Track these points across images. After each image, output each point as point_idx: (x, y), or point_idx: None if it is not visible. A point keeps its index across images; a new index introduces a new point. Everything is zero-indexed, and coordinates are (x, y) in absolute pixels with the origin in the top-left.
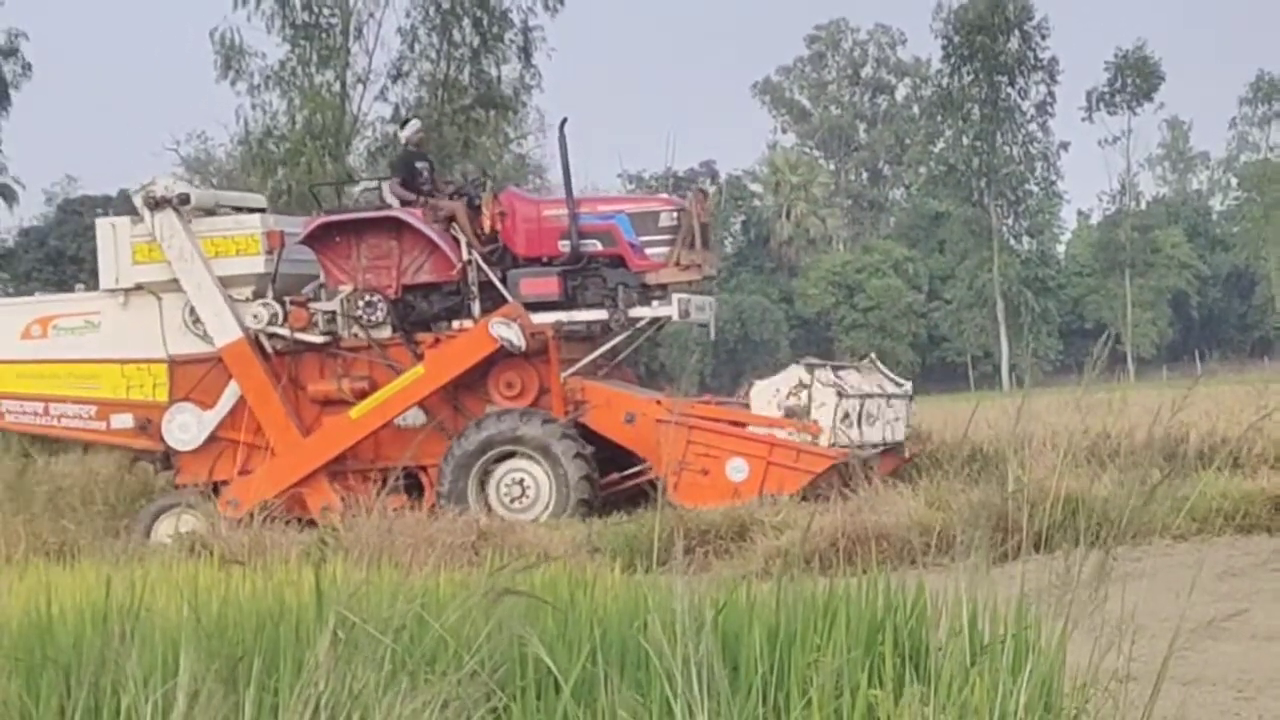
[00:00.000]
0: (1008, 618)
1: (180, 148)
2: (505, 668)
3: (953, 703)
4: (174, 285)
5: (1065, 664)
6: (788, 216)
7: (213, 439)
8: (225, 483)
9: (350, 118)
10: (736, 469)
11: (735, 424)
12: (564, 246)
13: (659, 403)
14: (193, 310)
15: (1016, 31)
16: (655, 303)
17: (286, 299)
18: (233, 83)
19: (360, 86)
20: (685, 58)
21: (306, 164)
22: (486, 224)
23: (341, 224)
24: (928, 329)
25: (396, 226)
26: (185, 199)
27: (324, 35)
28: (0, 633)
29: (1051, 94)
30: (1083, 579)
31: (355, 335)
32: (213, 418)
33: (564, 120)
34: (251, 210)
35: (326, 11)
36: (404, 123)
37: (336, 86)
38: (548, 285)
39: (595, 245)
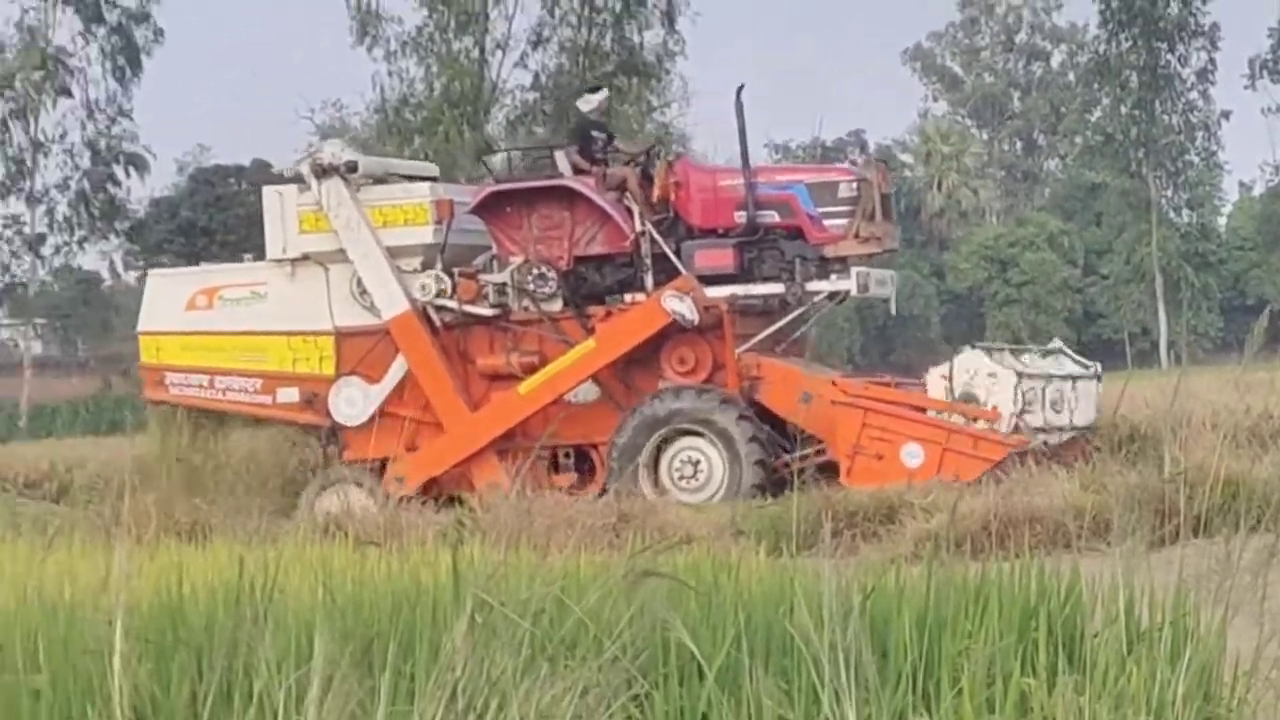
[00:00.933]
0: (1165, 604)
1: (314, 115)
2: (647, 653)
3: (1108, 692)
4: (341, 255)
5: (1225, 652)
6: (939, 188)
7: (379, 414)
8: (391, 459)
9: (489, 85)
10: (912, 454)
11: (913, 408)
12: (740, 218)
13: (834, 383)
14: (360, 281)
15: None
16: (834, 276)
17: (455, 270)
18: (369, 49)
19: (499, 53)
20: (832, 23)
21: (444, 133)
22: (659, 193)
23: (512, 193)
24: (1083, 305)
25: (569, 196)
26: (353, 167)
27: (462, 0)
28: (131, 614)
29: (1213, 61)
30: (1245, 564)
31: (525, 308)
32: (379, 392)
33: (741, 87)
34: (423, 179)
35: None
36: (590, 89)
37: (475, 53)
38: (723, 257)
39: (772, 216)
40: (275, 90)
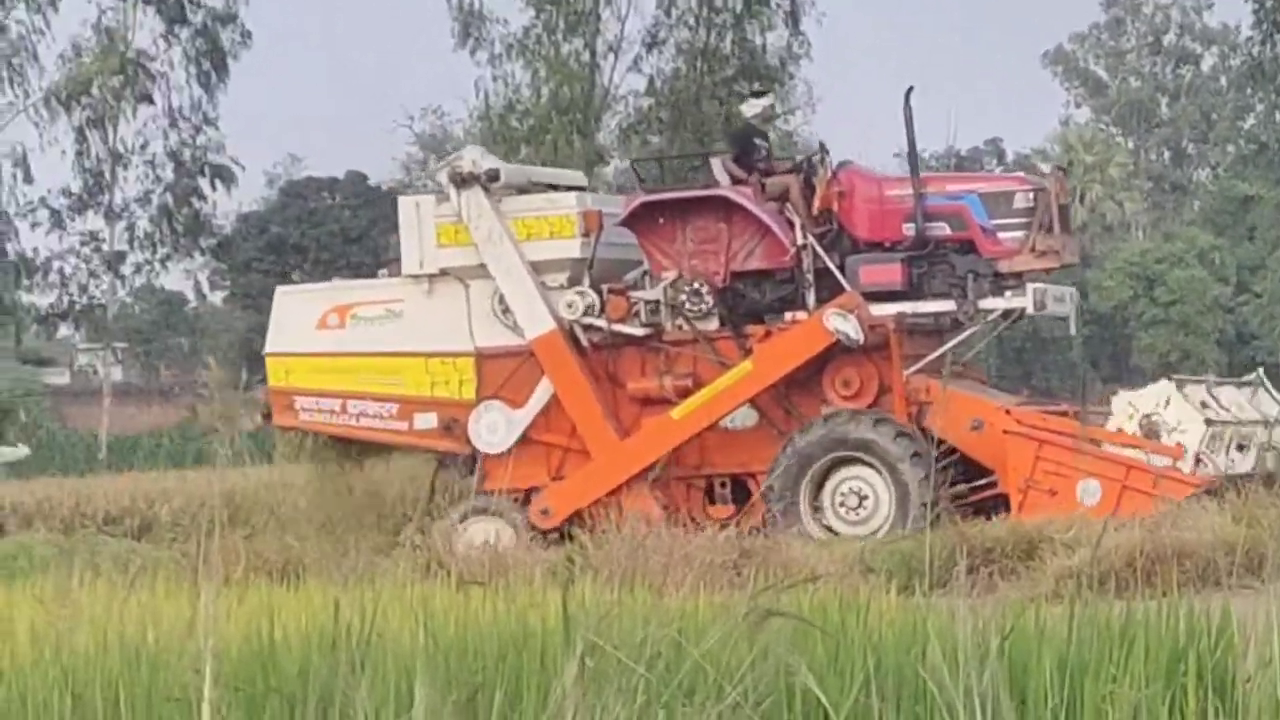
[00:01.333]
0: None
1: (414, 124)
2: (771, 699)
3: None
4: (482, 271)
5: None
6: (1081, 200)
7: (523, 441)
8: (536, 489)
9: (600, 90)
10: (1088, 491)
11: (1090, 441)
12: (908, 230)
13: (1008, 412)
14: (502, 298)
15: None
16: (1009, 293)
17: (604, 287)
18: (472, 52)
19: (611, 56)
20: (967, 24)
21: (552, 142)
22: (822, 204)
23: (666, 204)
24: (1235, 325)
25: (726, 207)
26: (495, 175)
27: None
28: (219, 660)
29: None
30: None
31: (679, 327)
32: (523, 417)
33: (910, 89)
34: (568, 189)
35: None
36: (754, 94)
37: (585, 56)
38: (890, 273)
39: (943, 229)
40: (371, 97)
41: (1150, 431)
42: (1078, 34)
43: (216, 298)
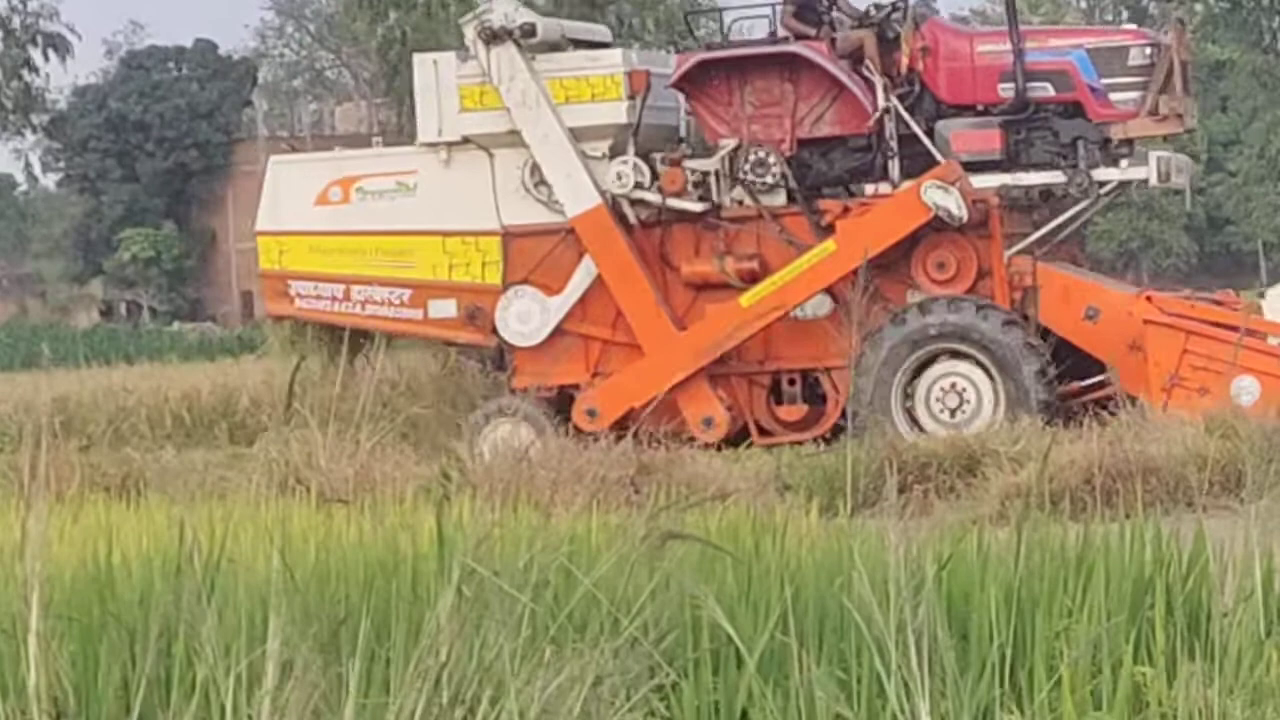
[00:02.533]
0: None
1: None
2: (674, 634)
3: (1242, 684)
4: (512, 138)
5: None
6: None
7: (559, 332)
8: (574, 387)
9: None
10: (1245, 390)
11: (1249, 333)
12: (1004, 91)
13: (1149, 298)
14: (536, 170)
15: None
16: (1124, 162)
17: (656, 156)
18: None
19: None
20: None
21: (424, 6)
22: (905, 62)
23: (725, 62)
24: (1206, 209)
25: (793, 65)
26: (530, 30)
27: None
28: (52, 586)
29: None
30: None
31: (739, 202)
32: (560, 305)
33: None
34: (597, 45)
35: None
36: None
37: None
38: (988, 140)
39: (1045, 89)
40: None
41: None
42: None
43: (49, 181)
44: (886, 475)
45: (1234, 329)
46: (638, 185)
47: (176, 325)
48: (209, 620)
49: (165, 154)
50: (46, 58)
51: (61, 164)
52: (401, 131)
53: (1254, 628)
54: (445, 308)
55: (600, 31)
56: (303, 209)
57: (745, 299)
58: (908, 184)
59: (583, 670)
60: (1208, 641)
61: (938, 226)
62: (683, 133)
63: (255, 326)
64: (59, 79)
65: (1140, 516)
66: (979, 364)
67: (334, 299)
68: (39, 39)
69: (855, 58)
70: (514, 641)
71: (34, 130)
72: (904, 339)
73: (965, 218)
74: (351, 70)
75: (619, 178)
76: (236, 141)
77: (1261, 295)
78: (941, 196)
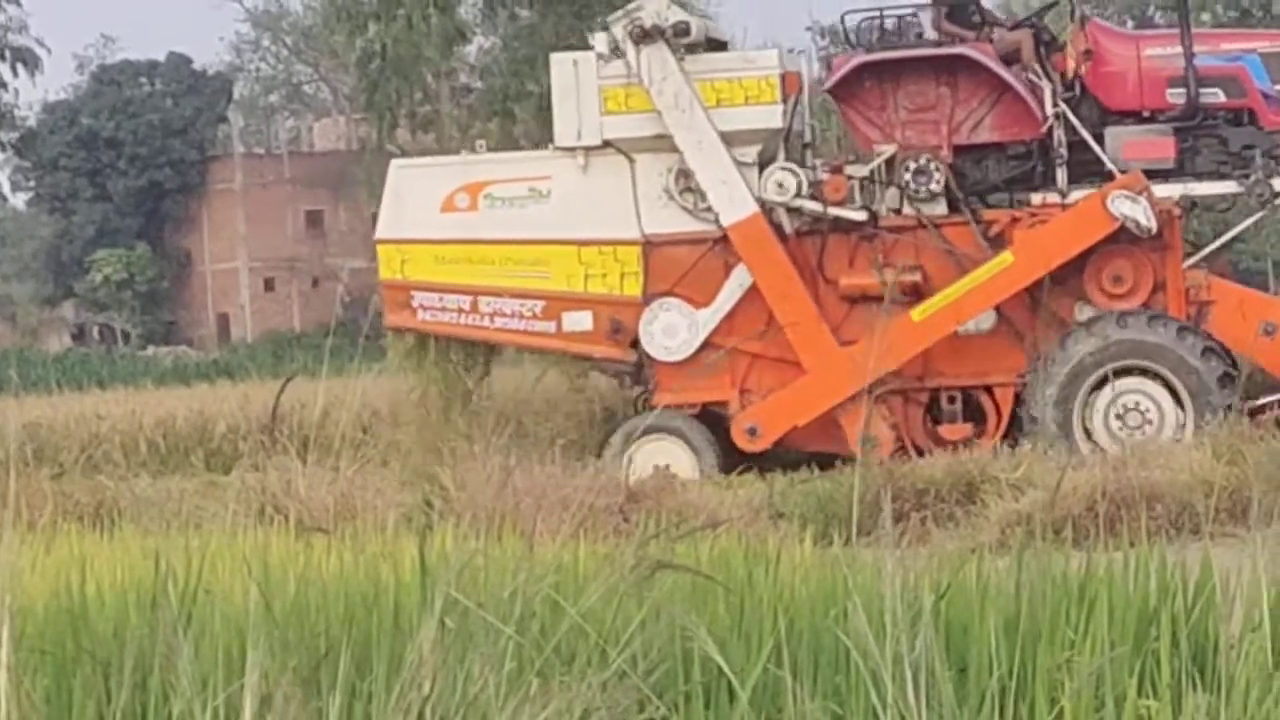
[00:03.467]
0: None
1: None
2: (664, 667)
3: (1250, 717)
4: (655, 143)
5: None
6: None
7: (705, 346)
8: (720, 404)
9: None
10: None
11: None
12: (1174, 97)
13: None
14: (682, 176)
15: None
16: None
17: (817, 163)
18: None
19: None
20: None
21: (406, 17)
22: (1071, 65)
23: (883, 66)
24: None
25: (953, 69)
26: (684, 29)
27: None
28: (24, 618)
29: None
30: None
31: (895, 211)
32: (709, 318)
33: None
34: (717, 44)
35: None
36: None
37: None
38: (1162, 147)
39: (1216, 95)
40: None
41: None
42: None
43: (19, 200)
44: (883, 502)
45: None
46: (798, 192)
47: (151, 349)
48: (185, 653)
49: (138, 172)
50: (15, 73)
51: (31, 183)
52: (381, 148)
53: (1262, 659)
54: (580, 320)
55: (721, 30)
56: (427, 216)
57: (917, 313)
58: (1078, 193)
59: (570, 704)
60: (1214, 673)
61: (1122, 238)
62: (807, 138)
63: (232, 350)
64: (28, 94)
65: (1145, 545)
66: (1159, 379)
67: (460, 310)
68: (7, 53)
69: (1011, 60)
70: (499, 674)
71: (2, 148)
72: (1087, 354)
73: (1154, 228)
74: (330, 85)
75: (780, 185)
76: (212, 159)
77: None
78: (1130, 207)
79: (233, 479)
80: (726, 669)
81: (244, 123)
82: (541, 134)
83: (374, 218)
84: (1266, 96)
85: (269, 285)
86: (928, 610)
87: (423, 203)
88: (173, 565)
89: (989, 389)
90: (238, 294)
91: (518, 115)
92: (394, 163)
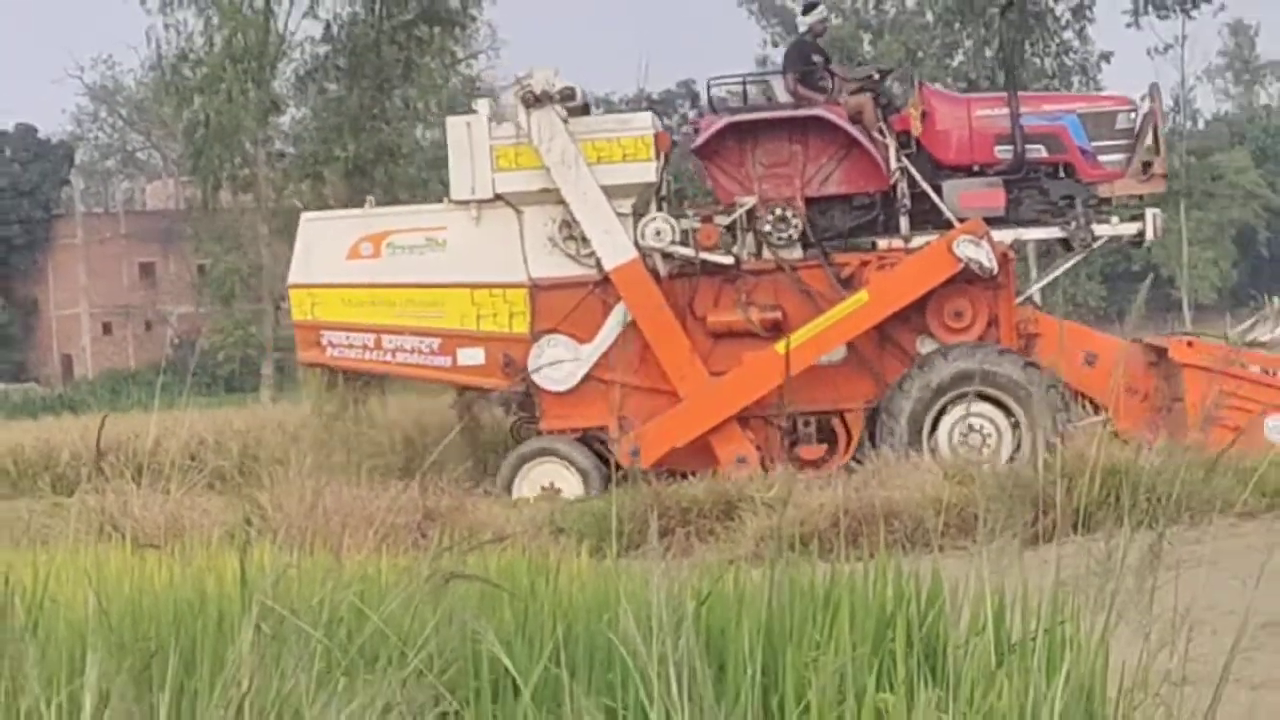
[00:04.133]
0: (1040, 610)
1: (85, 74)
2: (456, 666)
3: (976, 710)
4: (541, 196)
5: (1108, 665)
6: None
7: (587, 379)
8: (600, 429)
9: (275, 37)
10: (1277, 429)
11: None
12: (1002, 152)
13: (1190, 344)
14: (566, 225)
15: None
16: (1114, 219)
17: (690, 212)
18: (142, 0)
19: (286, 1)
20: None
21: (227, 90)
22: (911, 125)
23: (741, 127)
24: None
25: (805, 129)
26: (570, 94)
27: None
28: None
29: None
30: (1129, 565)
31: (754, 255)
32: (592, 352)
33: (1008, 3)
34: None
35: None
36: (806, 7)
37: (259, 2)
38: (993, 197)
39: (1039, 151)
40: (38, 45)
41: None
42: None
43: None
44: (650, 520)
45: (1267, 372)
46: (674, 239)
47: (2, 386)
48: (31, 655)
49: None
50: None
51: None
52: (207, 206)
53: (985, 658)
54: (474, 355)
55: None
56: (334, 263)
57: (781, 346)
58: (920, 239)
59: (372, 699)
60: (943, 671)
61: (961, 278)
62: (661, 191)
63: (74, 386)
64: None
65: (883, 556)
66: (998, 404)
67: (365, 347)
68: None
69: (854, 120)
70: (309, 673)
71: None
72: (935, 382)
73: (995, 269)
74: (160, 151)
75: (658, 233)
76: (56, 217)
77: None
78: (973, 250)
79: (74, 501)
80: (511, 668)
81: (84, 185)
82: (349, 194)
83: (200, 268)
84: (1084, 152)
85: (107, 329)
86: (690, 615)
87: (330, 251)
88: (21, 578)
89: (840, 414)
90: (79, 337)
91: (326, 177)
92: (304, 216)
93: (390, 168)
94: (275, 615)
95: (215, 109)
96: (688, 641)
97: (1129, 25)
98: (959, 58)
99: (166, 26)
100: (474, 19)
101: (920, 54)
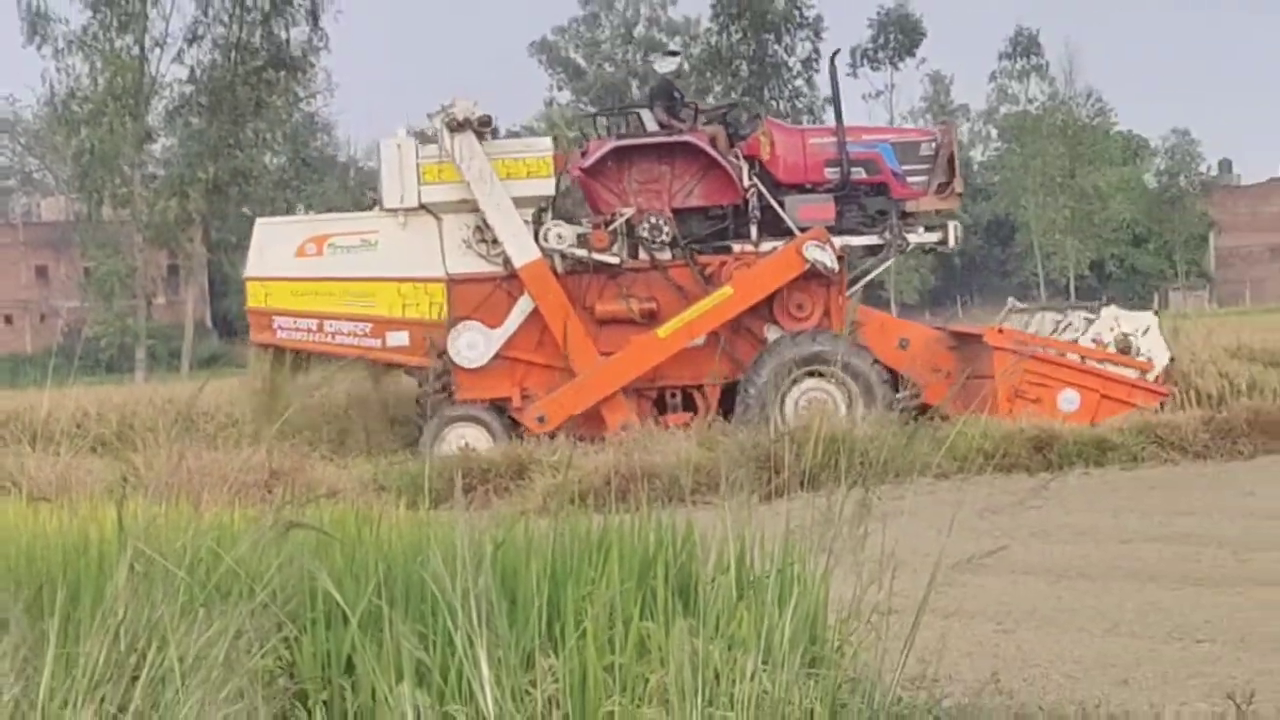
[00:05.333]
0: (773, 554)
1: None
2: (296, 600)
3: (721, 634)
4: (457, 206)
5: (829, 598)
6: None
7: (497, 357)
8: (505, 399)
9: (149, 79)
10: (1068, 400)
11: (1071, 355)
12: (831, 174)
13: (1000, 330)
14: (478, 230)
15: None
16: (921, 229)
17: (584, 220)
18: (39, 47)
19: (158, 50)
20: (465, 20)
21: (108, 124)
22: (763, 150)
23: (632, 149)
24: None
25: (673, 152)
26: (487, 121)
27: (124, 1)
28: None
29: (817, 50)
30: (845, 517)
31: (633, 256)
32: (500, 335)
33: (835, 52)
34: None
35: None
36: (666, 53)
37: (136, 50)
38: (825, 211)
39: (860, 173)
40: None
41: (1124, 348)
42: (559, 27)
43: None
44: (455, 479)
45: (1062, 353)
46: (572, 243)
47: None
48: None
49: None
50: None
51: None
52: (91, 218)
53: (728, 592)
54: (399, 338)
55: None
56: (284, 260)
57: (662, 331)
58: (767, 244)
59: (226, 626)
60: (695, 603)
61: (809, 276)
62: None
63: None
64: None
65: (646, 509)
66: (832, 379)
67: (309, 331)
68: None
69: (714, 145)
70: (174, 604)
71: None
72: (787, 361)
73: (837, 269)
74: (53, 172)
75: (560, 237)
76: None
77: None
78: (819, 253)
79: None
80: (341, 601)
81: None
82: (209, 208)
83: (86, 270)
84: (895, 174)
85: (8, 320)
86: (488, 557)
87: (281, 250)
88: None
89: (700, 388)
90: None
91: (191, 195)
92: (259, 220)
93: (244, 187)
94: (146, 557)
95: (99, 138)
96: (486, 579)
97: (848, 74)
98: (710, 100)
99: (59, 70)
100: (313, 65)
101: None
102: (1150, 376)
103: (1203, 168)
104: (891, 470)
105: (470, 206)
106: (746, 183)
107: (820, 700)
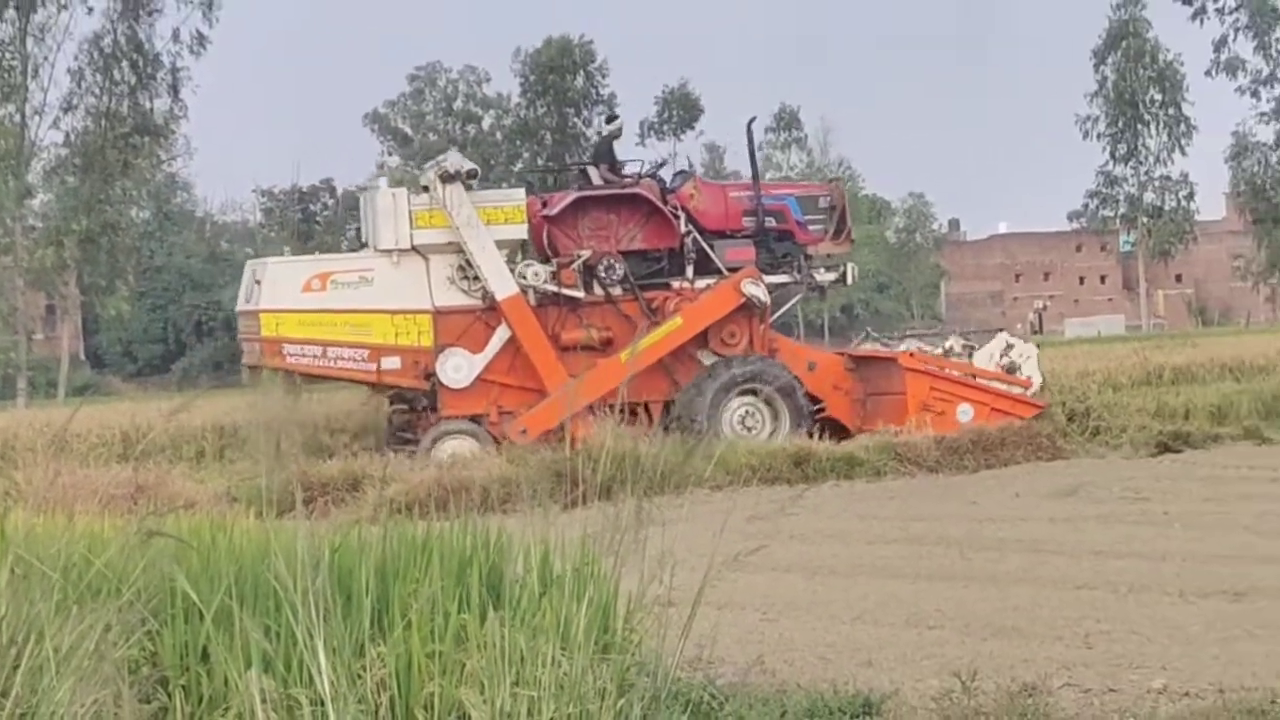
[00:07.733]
0: (572, 555)
1: None
2: (157, 599)
3: (527, 625)
4: (444, 248)
5: (618, 593)
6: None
7: (478, 379)
8: (483, 415)
9: (29, 143)
10: (964, 412)
11: (969, 375)
12: (748, 222)
13: (912, 354)
14: (460, 268)
15: (582, 71)
16: (823, 269)
17: (554, 260)
18: None
19: (37, 117)
20: (308, 94)
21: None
22: (695, 201)
23: (591, 199)
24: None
25: (621, 202)
26: (474, 173)
27: (6, 74)
28: None
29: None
30: (631, 523)
31: (589, 290)
32: (482, 360)
33: (752, 119)
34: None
35: (8, 55)
36: (609, 118)
37: (17, 117)
38: (748, 253)
39: (771, 222)
40: None
41: (1010, 368)
42: (389, 100)
43: None
44: (297, 491)
45: (962, 373)
46: (546, 279)
47: None
48: None
49: None
50: None
51: None
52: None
53: (533, 589)
54: (393, 363)
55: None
56: (293, 294)
57: (624, 355)
58: (701, 281)
59: (96, 622)
60: (505, 598)
61: (740, 308)
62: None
63: None
64: None
65: (464, 517)
66: (766, 398)
67: (314, 357)
68: None
69: (657, 197)
70: (50, 602)
71: None
72: (727, 381)
73: (768, 303)
74: None
75: (536, 274)
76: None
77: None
78: (754, 288)
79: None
80: (197, 600)
81: None
82: (82, 256)
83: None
84: (799, 223)
85: None
86: (325, 560)
87: (290, 286)
88: None
89: (645, 405)
90: None
91: (65, 244)
92: (270, 260)
93: (113, 238)
94: (25, 561)
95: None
96: (323, 579)
97: (638, 144)
98: (519, 165)
99: None
100: (174, 131)
101: (492, 162)
102: (1029, 393)
103: (935, 225)
104: (672, 482)
105: (455, 248)
106: (682, 229)
107: (611, 680)
